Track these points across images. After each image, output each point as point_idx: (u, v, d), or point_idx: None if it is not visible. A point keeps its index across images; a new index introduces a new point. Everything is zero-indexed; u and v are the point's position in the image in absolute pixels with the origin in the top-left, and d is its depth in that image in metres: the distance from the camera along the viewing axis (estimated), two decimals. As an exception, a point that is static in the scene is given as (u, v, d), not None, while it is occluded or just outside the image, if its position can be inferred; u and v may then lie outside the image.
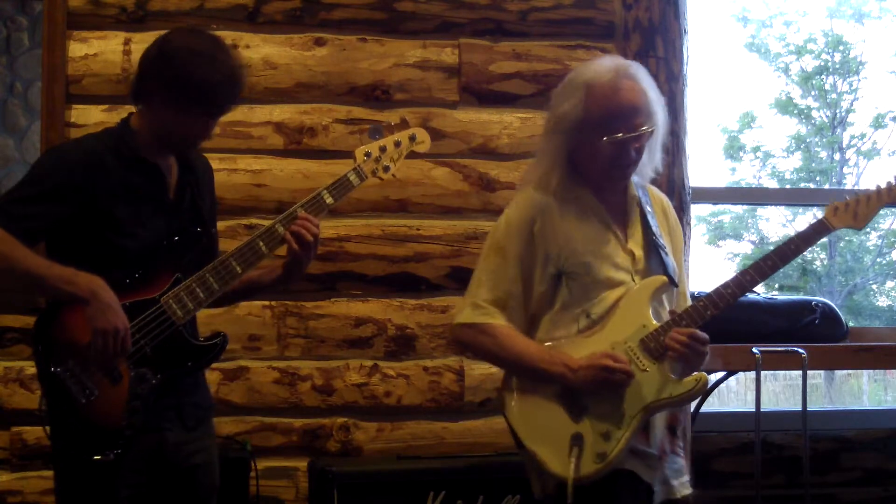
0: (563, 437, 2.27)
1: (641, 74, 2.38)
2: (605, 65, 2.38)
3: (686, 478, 2.48)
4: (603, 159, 2.34)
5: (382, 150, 2.47)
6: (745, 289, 2.38)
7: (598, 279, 2.36)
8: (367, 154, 2.45)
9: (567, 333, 2.36)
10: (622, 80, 2.33)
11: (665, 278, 2.39)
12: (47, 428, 2.24)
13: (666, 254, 2.42)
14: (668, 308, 2.44)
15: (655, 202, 2.52)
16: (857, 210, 2.39)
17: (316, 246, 2.36)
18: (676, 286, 2.45)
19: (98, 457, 2.17)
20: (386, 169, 2.47)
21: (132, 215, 2.26)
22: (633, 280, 2.38)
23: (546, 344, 2.36)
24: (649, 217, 2.43)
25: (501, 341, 2.36)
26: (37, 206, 2.20)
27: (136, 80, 2.31)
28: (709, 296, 2.37)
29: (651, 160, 2.43)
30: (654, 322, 2.33)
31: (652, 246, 2.41)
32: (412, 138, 2.52)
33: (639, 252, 2.41)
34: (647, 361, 2.31)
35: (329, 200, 2.39)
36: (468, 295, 2.43)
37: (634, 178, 2.46)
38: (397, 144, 2.49)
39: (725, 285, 2.38)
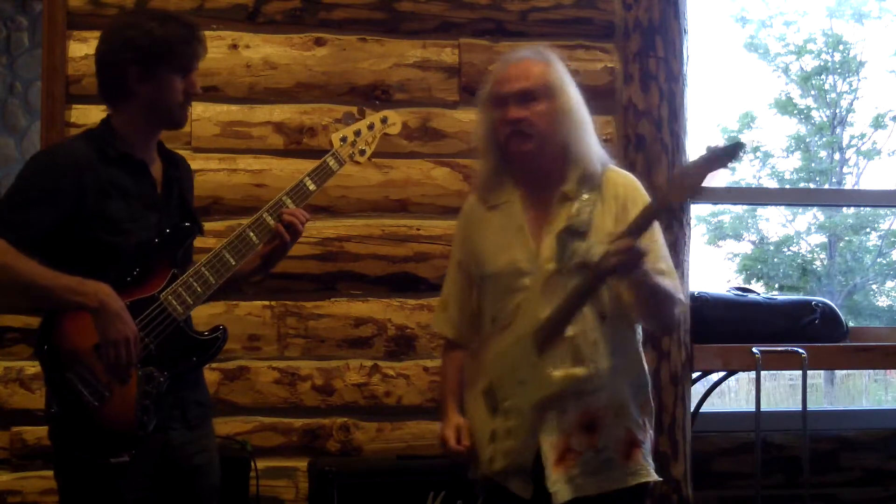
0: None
1: (542, 55, 2.37)
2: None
3: (618, 472, 2.29)
4: (496, 127, 2.34)
5: (357, 133, 2.55)
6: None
7: (501, 288, 2.35)
8: (343, 139, 2.53)
9: (483, 336, 2.41)
10: (519, 55, 2.38)
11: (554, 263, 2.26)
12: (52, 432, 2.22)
13: (579, 237, 2.28)
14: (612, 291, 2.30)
15: (608, 187, 2.35)
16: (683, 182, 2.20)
17: (300, 233, 2.43)
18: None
19: (113, 459, 2.16)
20: (362, 152, 2.55)
21: (124, 213, 2.25)
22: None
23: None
24: (575, 207, 2.31)
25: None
26: (30, 212, 2.17)
27: (104, 80, 2.31)
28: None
29: (559, 129, 2.30)
30: (546, 312, 2.25)
31: (565, 235, 2.30)
32: (384, 121, 2.61)
33: (549, 248, 2.30)
34: (535, 357, 2.25)
35: (312, 187, 2.44)
36: None
37: (588, 166, 2.32)
38: (370, 127, 2.58)
39: None
